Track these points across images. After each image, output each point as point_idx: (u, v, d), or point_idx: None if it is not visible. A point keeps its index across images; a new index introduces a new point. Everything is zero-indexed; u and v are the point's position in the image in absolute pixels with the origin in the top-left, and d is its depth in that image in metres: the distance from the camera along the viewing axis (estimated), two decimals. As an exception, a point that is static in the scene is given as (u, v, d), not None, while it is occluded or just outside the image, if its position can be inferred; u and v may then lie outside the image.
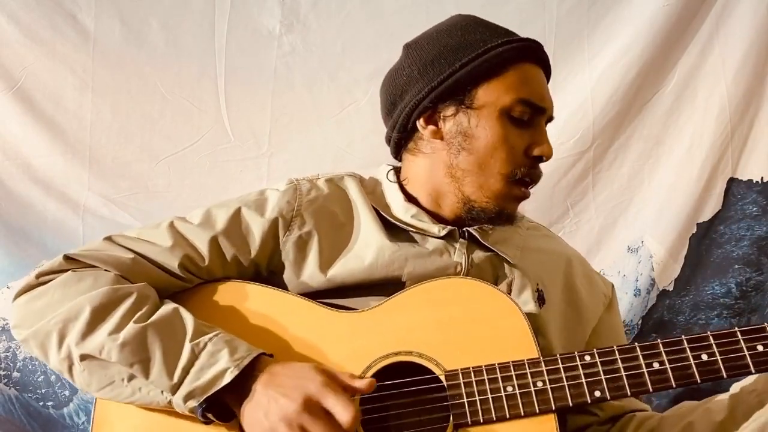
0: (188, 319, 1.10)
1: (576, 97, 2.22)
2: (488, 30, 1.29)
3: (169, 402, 1.04)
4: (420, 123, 1.29)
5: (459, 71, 1.24)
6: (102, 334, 1.05)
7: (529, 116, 1.26)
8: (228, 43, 2.20)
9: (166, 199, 2.16)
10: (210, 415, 1.04)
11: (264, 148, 2.21)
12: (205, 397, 1.02)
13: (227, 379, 1.02)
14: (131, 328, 1.06)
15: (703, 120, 2.21)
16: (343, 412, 0.99)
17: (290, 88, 2.22)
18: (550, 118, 1.33)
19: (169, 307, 1.12)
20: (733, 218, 2.22)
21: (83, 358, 1.06)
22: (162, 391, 1.04)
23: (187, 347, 1.05)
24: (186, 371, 1.03)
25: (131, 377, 1.06)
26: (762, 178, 2.22)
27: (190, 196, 2.16)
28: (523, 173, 1.25)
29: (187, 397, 1.02)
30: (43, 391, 2.04)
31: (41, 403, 2.04)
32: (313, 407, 1.00)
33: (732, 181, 2.23)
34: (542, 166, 1.30)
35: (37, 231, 2.08)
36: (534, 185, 1.30)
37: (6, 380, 2.03)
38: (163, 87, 2.17)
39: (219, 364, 1.03)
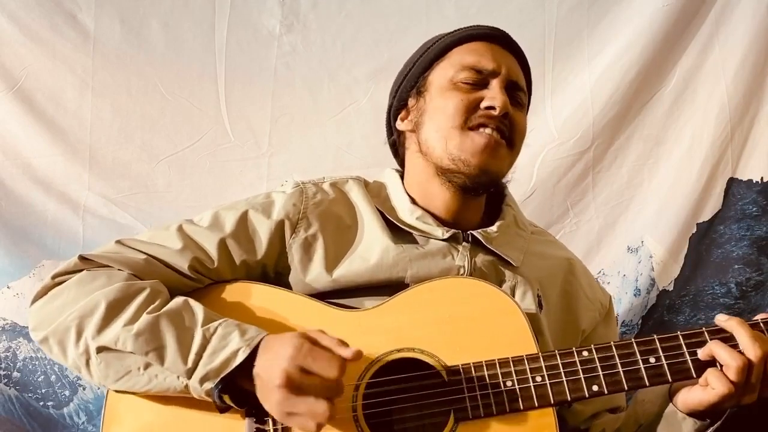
0: (197, 307, 1.14)
1: (576, 97, 2.22)
2: (443, 34, 1.39)
3: (186, 387, 1.07)
4: (398, 123, 1.41)
5: (413, 67, 1.40)
6: (117, 326, 1.09)
7: (480, 80, 1.30)
8: (228, 43, 2.20)
9: (166, 199, 2.16)
10: (226, 398, 1.05)
11: (264, 148, 2.21)
12: (219, 378, 1.04)
13: (240, 358, 1.04)
14: (145, 318, 1.09)
15: (703, 120, 2.22)
16: (327, 368, 0.98)
17: (290, 88, 2.22)
18: (514, 84, 1.33)
19: (179, 299, 1.16)
20: (733, 218, 2.22)
21: (100, 350, 1.09)
22: (178, 377, 1.07)
23: (198, 332, 1.08)
24: (199, 355, 1.06)
25: (147, 365, 1.09)
26: (762, 178, 2.22)
27: (190, 196, 2.17)
28: (477, 122, 1.28)
29: (203, 380, 1.05)
30: (43, 391, 2.04)
31: (41, 403, 2.04)
32: (300, 368, 0.99)
33: (732, 181, 2.23)
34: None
35: (37, 231, 2.08)
36: (502, 139, 1.28)
37: (6, 380, 2.03)
38: (163, 87, 2.18)
39: (231, 346, 1.06)
